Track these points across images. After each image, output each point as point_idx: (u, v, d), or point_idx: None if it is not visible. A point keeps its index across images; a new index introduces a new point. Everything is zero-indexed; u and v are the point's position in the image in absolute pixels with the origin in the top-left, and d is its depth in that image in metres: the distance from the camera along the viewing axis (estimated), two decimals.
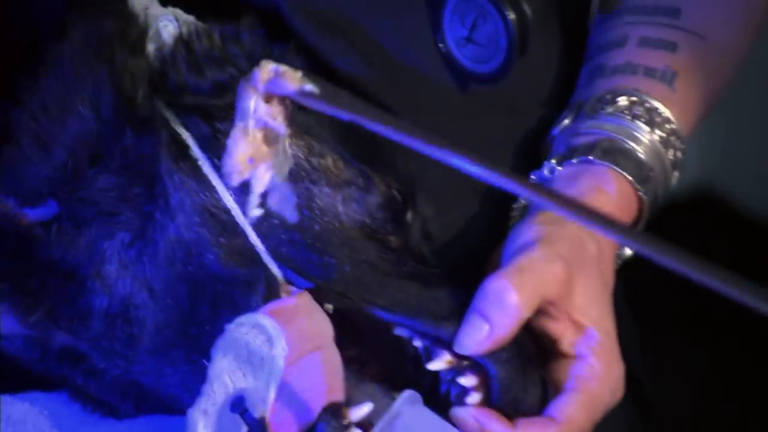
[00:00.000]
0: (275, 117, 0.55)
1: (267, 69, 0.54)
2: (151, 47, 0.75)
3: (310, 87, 0.52)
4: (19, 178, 0.71)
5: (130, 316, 0.71)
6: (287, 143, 0.62)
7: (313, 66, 0.80)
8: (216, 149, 0.72)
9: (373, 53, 0.85)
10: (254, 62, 0.68)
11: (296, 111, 0.69)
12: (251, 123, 0.56)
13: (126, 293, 0.71)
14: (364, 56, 0.85)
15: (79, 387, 0.76)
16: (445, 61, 0.84)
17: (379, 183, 0.75)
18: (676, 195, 2.09)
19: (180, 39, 0.76)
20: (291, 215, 0.69)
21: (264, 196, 0.65)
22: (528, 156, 0.86)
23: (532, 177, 0.82)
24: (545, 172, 0.79)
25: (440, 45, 0.83)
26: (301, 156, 0.74)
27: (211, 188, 0.70)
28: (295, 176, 0.72)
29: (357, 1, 0.84)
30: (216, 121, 0.74)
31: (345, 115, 0.51)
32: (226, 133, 0.66)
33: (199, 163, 0.71)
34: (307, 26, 0.84)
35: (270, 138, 0.58)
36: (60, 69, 0.71)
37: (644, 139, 0.80)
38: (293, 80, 0.53)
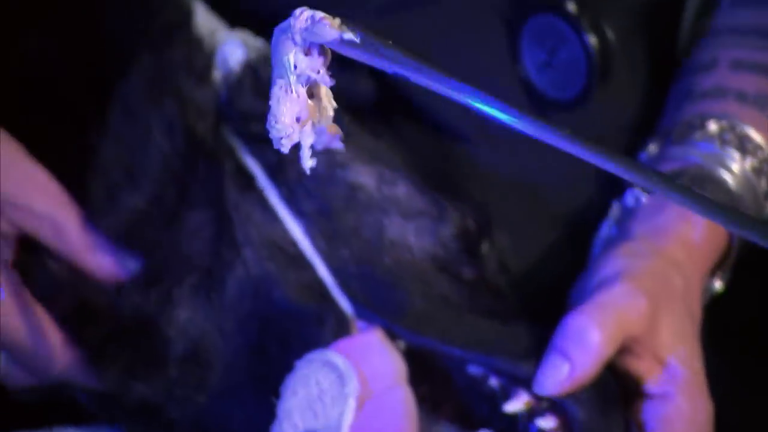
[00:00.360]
0: (318, 69, 0.49)
1: (304, 17, 0.47)
2: (218, 74, 0.74)
3: (350, 35, 0.46)
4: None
5: (201, 359, 0.70)
6: (329, 96, 0.52)
7: (386, 93, 0.79)
8: (283, 179, 0.71)
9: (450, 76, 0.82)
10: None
11: (365, 136, 0.74)
12: (293, 79, 0.50)
13: (198, 336, 0.70)
14: None
15: None
16: (523, 87, 0.81)
17: (453, 212, 0.72)
18: None
19: (247, 65, 0.74)
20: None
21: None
22: (612, 184, 0.83)
23: (615, 205, 0.81)
24: (629, 200, 0.77)
25: (518, 70, 0.81)
26: (372, 184, 0.72)
27: (278, 220, 0.69)
28: (365, 206, 0.71)
29: (431, 27, 0.83)
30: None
31: (389, 67, 0.47)
32: (294, 162, 0.69)
33: (266, 193, 0.70)
34: None
35: (314, 93, 0.51)
36: (127, 103, 0.71)
37: (735, 167, 0.78)
38: (332, 27, 0.47)
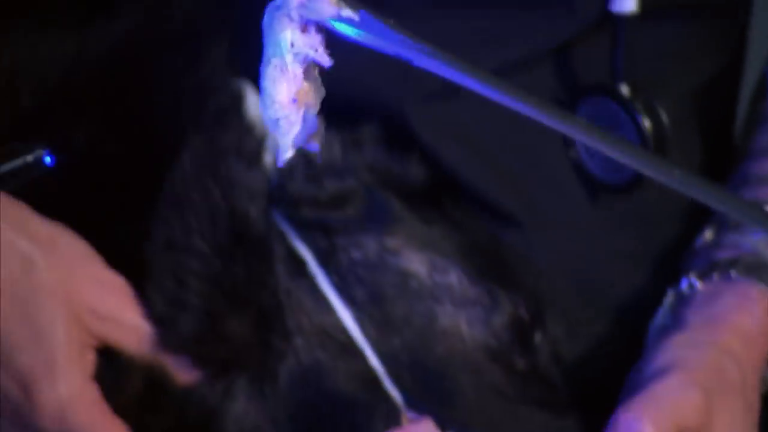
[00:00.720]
0: (316, 47, 0.49)
1: None
2: (269, 158, 0.74)
3: (348, 12, 0.47)
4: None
5: None
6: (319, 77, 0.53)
7: (437, 176, 0.79)
8: (334, 265, 0.71)
9: (500, 161, 0.83)
10: (375, 172, 0.75)
11: (417, 223, 0.74)
12: (290, 58, 0.50)
13: (252, 429, 0.71)
14: (489, 165, 0.82)
15: None
16: (575, 170, 0.81)
17: (505, 302, 0.72)
18: None
19: (299, 152, 0.73)
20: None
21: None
22: (665, 270, 0.82)
23: (669, 293, 0.80)
24: (684, 288, 0.76)
25: (570, 152, 0.81)
26: (424, 273, 0.71)
27: (329, 307, 0.69)
28: (417, 294, 0.70)
29: (483, 109, 0.82)
30: (334, 236, 0.72)
31: (389, 47, 0.47)
32: (346, 249, 0.71)
33: (317, 280, 0.69)
34: (431, 134, 0.81)
35: (309, 73, 0.51)
36: (176, 191, 0.72)
37: None
38: (330, 3, 0.48)
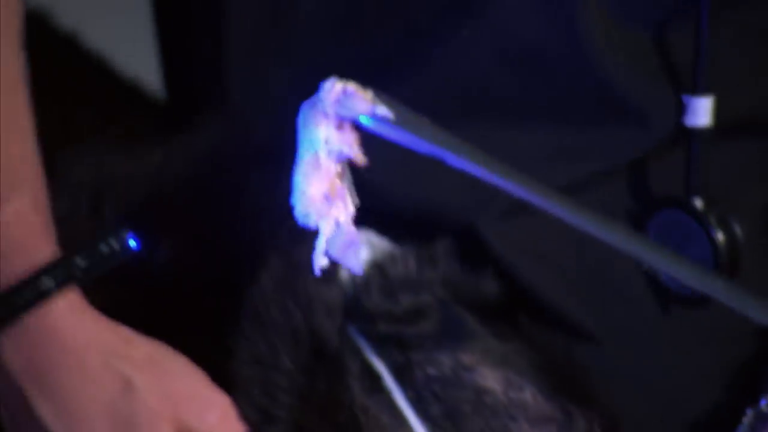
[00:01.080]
0: (351, 145, 0.49)
1: (336, 89, 0.48)
2: (345, 274, 0.75)
3: (383, 109, 0.47)
4: None
5: None
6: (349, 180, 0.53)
7: (511, 290, 0.80)
8: (410, 381, 0.71)
9: (573, 275, 0.83)
10: (449, 287, 0.76)
11: (492, 339, 0.75)
12: (323, 154, 0.50)
13: None
14: (563, 278, 0.83)
15: None
16: (648, 282, 0.81)
17: (579, 419, 0.72)
18: None
19: (374, 264, 0.75)
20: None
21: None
22: (744, 387, 0.82)
23: (749, 412, 0.79)
24: (764, 406, 0.75)
25: (644, 264, 0.81)
26: (499, 390, 0.70)
27: (406, 423, 0.69)
28: (492, 411, 0.70)
29: (554, 223, 0.83)
30: (410, 351, 0.73)
31: (424, 147, 0.47)
32: (421, 364, 0.71)
33: (393, 395, 0.69)
34: (505, 248, 0.81)
35: (342, 171, 0.51)
36: (257, 309, 0.73)
37: None
38: (365, 100, 0.48)
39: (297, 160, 0.49)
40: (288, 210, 0.77)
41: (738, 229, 0.78)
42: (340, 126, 0.47)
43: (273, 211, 0.80)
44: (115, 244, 0.71)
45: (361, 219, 0.78)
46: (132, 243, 0.71)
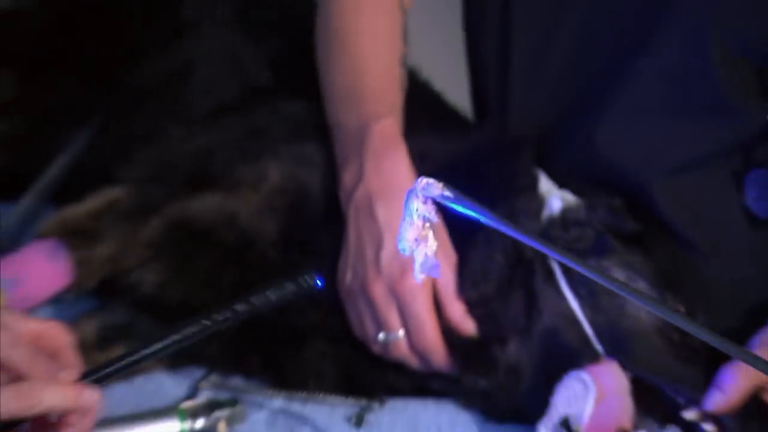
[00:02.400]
0: (430, 212, 0.71)
1: (423, 182, 0.71)
2: (545, 214, 1.08)
3: (448, 193, 0.69)
4: None
5: (519, 373, 1.05)
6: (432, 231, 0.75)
7: (644, 226, 1.11)
8: (570, 275, 1.03)
9: (699, 207, 1.17)
10: (603, 224, 1.07)
11: (625, 253, 1.06)
12: (415, 217, 0.73)
13: (518, 365, 1.05)
14: (692, 212, 1.15)
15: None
16: (743, 211, 1.12)
17: (670, 300, 1.02)
18: None
19: (562, 211, 1.08)
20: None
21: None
22: None
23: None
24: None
25: (740, 198, 1.13)
26: (622, 279, 0.99)
27: (564, 297, 1.02)
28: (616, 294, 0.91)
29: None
30: (580, 251, 1.05)
31: (475, 216, 0.68)
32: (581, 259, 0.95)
33: (560, 283, 1.03)
34: (670, 206, 1.15)
35: (428, 226, 0.74)
36: (488, 238, 1.08)
37: None
38: (438, 188, 0.70)
39: (401, 223, 0.73)
40: (517, 176, 1.13)
41: None
42: (425, 201, 0.71)
43: (507, 179, 1.18)
44: (304, 282, 0.83)
45: (561, 183, 1.09)
46: (318, 282, 0.83)
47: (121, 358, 0.79)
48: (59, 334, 0.82)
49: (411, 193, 0.79)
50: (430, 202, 0.76)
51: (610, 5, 1.22)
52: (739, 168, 1.18)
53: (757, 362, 0.62)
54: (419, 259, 0.76)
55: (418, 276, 0.74)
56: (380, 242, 1.09)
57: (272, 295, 0.83)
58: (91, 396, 0.79)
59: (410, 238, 0.78)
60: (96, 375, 0.79)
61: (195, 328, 0.80)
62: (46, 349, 0.81)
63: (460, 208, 0.75)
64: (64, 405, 0.77)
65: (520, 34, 1.27)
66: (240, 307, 0.81)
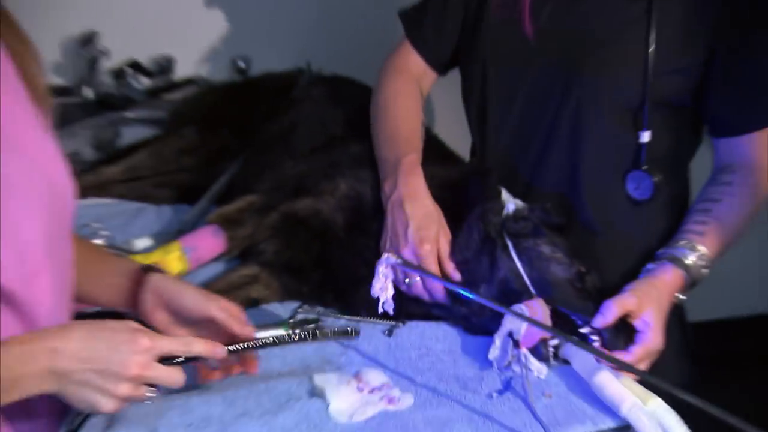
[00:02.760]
0: (392, 272, 1.28)
1: (386, 255, 1.26)
2: (504, 212, 1.49)
3: (395, 259, 1.27)
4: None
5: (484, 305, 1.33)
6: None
7: (567, 220, 1.54)
8: (519, 249, 1.41)
9: (594, 200, 1.70)
10: (538, 219, 1.47)
11: (552, 236, 1.45)
12: (382, 276, 1.29)
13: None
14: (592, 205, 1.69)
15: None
16: (628, 199, 1.65)
17: (577, 264, 1.42)
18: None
19: (515, 210, 1.50)
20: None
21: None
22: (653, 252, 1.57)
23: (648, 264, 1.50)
24: (651, 265, 1.50)
25: (624, 189, 1.68)
26: (548, 252, 1.43)
27: (514, 261, 1.40)
28: (546, 259, 1.42)
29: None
30: (519, 238, 1.43)
31: (423, 276, 1.27)
32: (522, 243, 1.43)
33: (513, 254, 1.42)
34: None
35: (389, 280, 1.29)
36: (470, 224, 1.49)
37: (690, 255, 1.48)
38: (393, 256, 1.25)
39: (375, 277, 1.30)
40: (484, 191, 1.60)
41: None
42: (387, 266, 1.24)
43: (481, 194, 1.56)
44: (352, 333, 1.32)
45: (516, 195, 1.59)
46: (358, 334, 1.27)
47: (245, 345, 1.22)
48: (228, 319, 1.24)
49: (379, 264, 1.37)
50: (391, 266, 1.35)
51: (543, 87, 1.67)
52: (623, 171, 1.64)
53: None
54: (382, 299, 1.36)
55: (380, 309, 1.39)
56: (407, 225, 1.49)
57: (330, 333, 1.31)
58: (220, 351, 1.17)
59: (377, 287, 1.36)
60: (233, 347, 1.20)
61: (286, 337, 1.26)
62: (220, 324, 1.22)
63: (411, 269, 1.41)
64: (204, 353, 1.15)
65: (491, 103, 1.73)
66: (314, 333, 1.27)
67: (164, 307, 1.27)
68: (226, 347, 1.17)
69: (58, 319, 1.16)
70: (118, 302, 1.31)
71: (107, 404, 1.07)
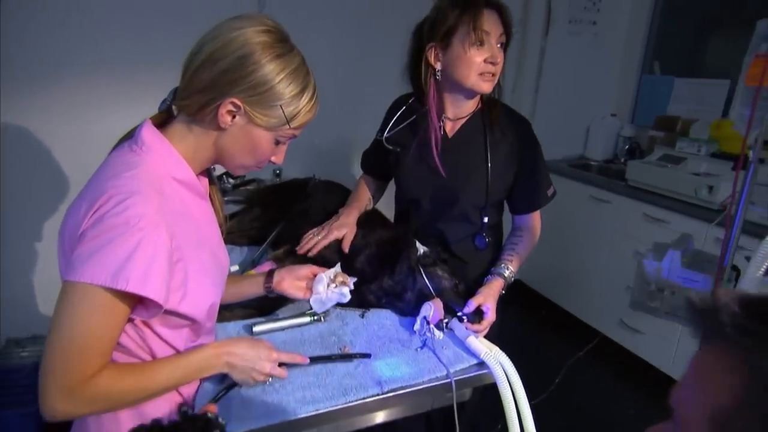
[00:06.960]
0: (332, 282, 2.14)
1: (329, 272, 2.19)
2: (418, 254, 2.37)
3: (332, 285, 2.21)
4: None
5: (411, 302, 2.23)
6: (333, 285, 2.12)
7: (445, 256, 2.60)
8: (426, 272, 2.29)
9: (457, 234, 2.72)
10: (434, 258, 2.48)
11: (440, 264, 2.42)
12: (324, 283, 2.16)
13: (409, 298, 2.24)
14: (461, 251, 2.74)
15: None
16: (472, 242, 2.61)
17: (453, 279, 2.35)
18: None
19: (423, 253, 2.37)
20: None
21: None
22: (490, 267, 2.46)
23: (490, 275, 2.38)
24: (489, 277, 2.41)
25: (475, 242, 2.63)
26: (441, 273, 2.33)
27: (423, 279, 2.27)
28: (435, 275, 2.31)
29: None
30: (427, 267, 2.30)
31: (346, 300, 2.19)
32: (428, 269, 2.44)
33: (423, 275, 2.30)
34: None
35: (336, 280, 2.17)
36: (402, 264, 2.34)
37: (506, 271, 2.45)
38: (328, 280, 2.14)
39: (315, 282, 2.19)
40: (409, 246, 2.51)
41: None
42: (333, 279, 2.19)
43: (398, 243, 2.43)
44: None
45: (424, 243, 2.59)
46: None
47: (315, 359, 1.84)
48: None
49: (323, 274, 2.20)
50: (341, 278, 2.23)
51: (438, 196, 2.51)
52: (473, 234, 2.49)
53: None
54: (324, 294, 2.16)
55: (322, 311, 2.19)
56: (333, 222, 2.42)
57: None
58: (282, 372, 1.66)
59: (322, 288, 2.15)
60: (286, 363, 1.73)
61: (324, 359, 1.86)
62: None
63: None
64: (295, 361, 1.74)
65: (411, 198, 2.59)
66: (341, 358, 1.91)
67: (286, 277, 2.08)
68: (307, 357, 1.84)
69: (210, 328, 1.68)
70: (257, 291, 2.11)
71: (252, 381, 1.64)
